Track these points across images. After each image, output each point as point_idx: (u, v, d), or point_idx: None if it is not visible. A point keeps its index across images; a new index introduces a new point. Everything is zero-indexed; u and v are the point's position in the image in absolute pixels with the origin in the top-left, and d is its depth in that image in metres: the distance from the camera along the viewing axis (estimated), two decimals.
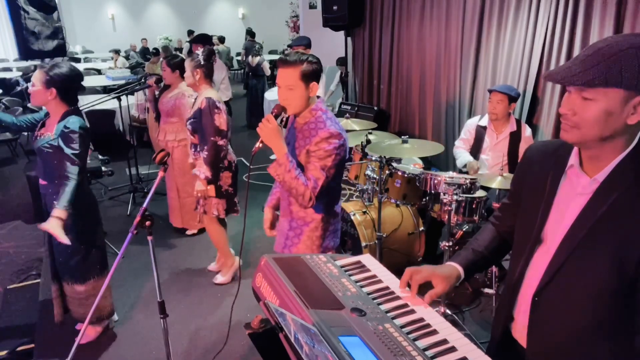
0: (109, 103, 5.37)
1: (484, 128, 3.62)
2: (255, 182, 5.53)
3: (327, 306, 1.16)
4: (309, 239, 2.13)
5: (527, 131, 3.50)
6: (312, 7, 7.73)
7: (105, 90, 8.54)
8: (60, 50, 5.06)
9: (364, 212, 3.54)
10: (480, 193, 3.09)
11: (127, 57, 13.06)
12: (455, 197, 2.97)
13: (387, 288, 1.32)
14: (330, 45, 6.67)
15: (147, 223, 2.04)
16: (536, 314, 1.24)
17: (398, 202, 3.46)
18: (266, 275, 1.31)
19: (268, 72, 8.74)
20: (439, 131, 5.02)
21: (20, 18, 4.63)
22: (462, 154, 3.70)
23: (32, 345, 2.90)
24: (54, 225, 2.32)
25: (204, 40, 5.16)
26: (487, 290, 3.31)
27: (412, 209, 3.68)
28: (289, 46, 10.17)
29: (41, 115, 2.71)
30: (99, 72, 10.98)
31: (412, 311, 1.22)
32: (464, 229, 3.32)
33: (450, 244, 3.06)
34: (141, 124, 6.65)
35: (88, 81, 8.26)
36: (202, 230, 4.45)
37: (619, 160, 1.13)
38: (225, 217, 3.48)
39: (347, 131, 3.74)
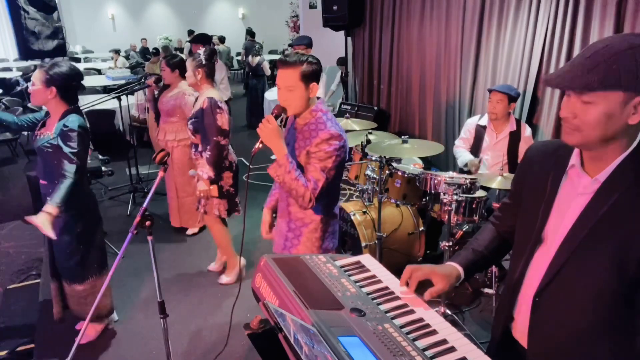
0: (109, 103, 5.37)
1: (484, 127, 3.62)
2: (255, 182, 5.53)
3: (326, 306, 1.16)
4: (309, 241, 2.13)
5: (526, 131, 3.50)
6: (312, 7, 7.74)
7: (105, 90, 8.53)
8: (60, 50, 5.05)
9: (364, 212, 3.54)
10: (480, 193, 3.09)
11: (127, 57, 13.06)
12: (455, 197, 2.97)
13: (386, 288, 1.32)
14: (331, 45, 6.67)
15: (147, 223, 2.03)
16: (537, 314, 1.24)
17: (398, 202, 3.46)
18: (266, 275, 1.31)
19: (268, 72, 8.74)
20: (439, 131, 5.02)
21: (20, 18, 4.63)
22: (462, 153, 3.70)
23: (32, 345, 2.90)
24: (42, 220, 2.29)
25: (203, 40, 5.15)
26: (487, 290, 3.31)
27: (412, 209, 3.68)
28: (290, 45, 10.18)
29: (42, 115, 2.72)
30: (99, 72, 10.98)
31: (412, 311, 1.22)
32: (464, 229, 3.32)
33: (450, 244, 3.06)
34: (141, 123, 6.65)
35: (88, 81, 8.26)
36: (202, 230, 4.45)
37: (620, 160, 1.13)
38: (227, 218, 3.47)
39: (347, 131, 3.75)
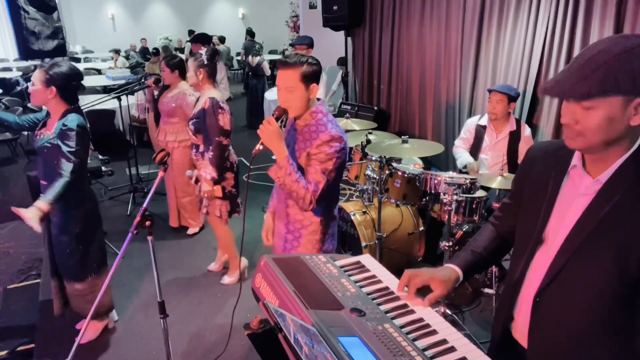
0: (109, 103, 5.37)
1: (484, 127, 3.62)
2: (255, 182, 5.53)
3: (326, 306, 1.16)
4: (309, 243, 2.12)
5: (526, 131, 3.50)
6: (312, 7, 7.74)
7: (105, 90, 8.54)
8: (60, 50, 5.06)
9: (364, 212, 3.54)
10: (480, 193, 3.09)
11: (127, 57, 13.06)
12: (455, 197, 2.97)
13: (386, 288, 1.32)
14: (331, 45, 6.67)
15: (147, 223, 2.03)
16: (537, 314, 1.24)
17: (398, 202, 3.46)
18: (265, 275, 1.31)
19: (268, 72, 8.74)
20: (439, 131, 5.02)
21: (21, 18, 4.63)
22: (462, 154, 3.71)
23: (32, 345, 2.90)
24: (31, 214, 2.25)
25: (203, 39, 5.15)
26: (487, 290, 3.31)
27: (412, 209, 3.68)
28: (291, 45, 10.17)
29: (42, 115, 2.71)
30: (99, 72, 10.98)
31: (412, 311, 1.22)
32: (464, 229, 3.32)
33: (450, 244, 3.06)
34: (141, 124, 6.65)
35: (88, 81, 8.27)
36: (202, 230, 4.45)
37: (621, 161, 1.13)
38: (229, 218, 3.47)
39: (347, 131, 3.75)
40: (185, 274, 3.75)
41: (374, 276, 1.37)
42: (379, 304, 1.23)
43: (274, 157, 1.91)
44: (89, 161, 2.72)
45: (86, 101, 4.86)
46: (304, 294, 1.19)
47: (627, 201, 1.10)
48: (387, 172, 3.34)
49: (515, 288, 1.32)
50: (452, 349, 1.09)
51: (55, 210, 2.60)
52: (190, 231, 4.42)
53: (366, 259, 1.48)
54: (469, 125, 3.75)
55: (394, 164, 3.47)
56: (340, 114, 6.04)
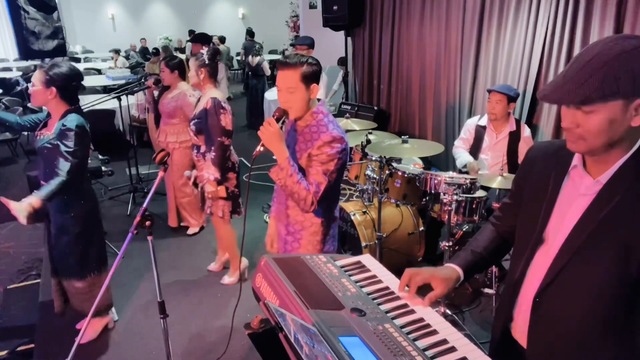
0: (109, 103, 5.37)
1: (484, 128, 3.63)
2: (255, 182, 5.53)
3: (326, 306, 1.16)
4: (310, 244, 2.10)
5: (526, 131, 3.50)
6: (312, 7, 7.74)
7: (105, 90, 8.54)
8: (60, 50, 5.05)
9: (364, 212, 3.54)
10: (480, 193, 3.09)
11: (127, 57, 13.06)
12: (455, 197, 2.97)
13: (387, 288, 1.32)
14: (331, 45, 6.67)
15: (147, 223, 2.03)
16: (537, 314, 1.24)
17: (398, 202, 3.46)
18: (266, 275, 1.31)
19: (268, 72, 8.74)
20: (439, 131, 5.02)
21: (20, 18, 4.63)
22: (461, 154, 3.71)
23: (32, 345, 2.90)
24: (20, 208, 2.24)
25: (203, 39, 5.15)
26: (487, 290, 3.31)
27: (412, 209, 3.68)
28: (292, 45, 10.17)
29: (44, 115, 2.71)
30: (99, 72, 10.98)
31: (412, 311, 1.22)
32: (464, 229, 3.32)
33: (450, 244, 3.06)
34: (141, 124, 6.65)
35: (88, 81, 8.26)
36: (202, 230, 4.45)
37: (622, 162, 1.12)
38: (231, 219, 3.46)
39: (347, 131, 3.75)
40: (185, 274, 3.75)
41: (374, 276, 1.37)
42: (379, 304, 1.23)
43: (274, 157, 1.91)
44: (89, 161, 2.72)
45: (86, 101, 4.86)
46: (304, 293, 1.19)
47: (627, 202, 1.10)
48: (387, 172, 3.35)
49: (515, 288, 1.32)
50: (452, 349, 1.09)
51: (55, 210, 2.60)
52: (190, 231, 4.42)
53: (366, 259, 1.48)
54: (469, 126, 3.75)
55: (394, 164, 3.47)
56: (340, 114, 6.05)
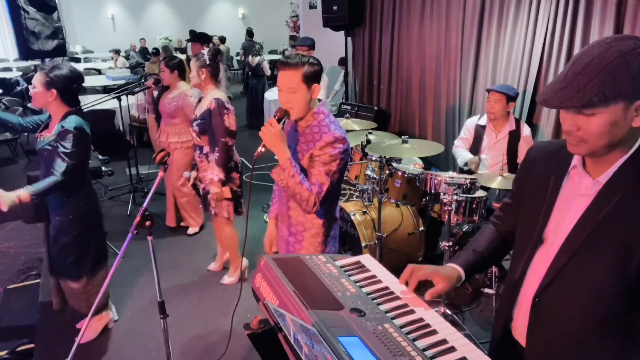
0: (109, 103, 5.37)
1: (483, 127, 3.63)
2: (255, 182, 5.53)
3: (326, 306, 1.16)
4: (311, 245, 2.10)
5: (526, 130, 3.50)
6: (312, 7, 7.74)
7: (105, 90, 8.54)
8: (60, 50, 5.04)
9: (364, 212, 3.54)
10: (480, 193, 3.09)
11: (127, 57, 13.06)
12: (455, 197, 2.97)
13: (386, 288, 1.32)
14: (331, 45, 6.67)
15: (147, 223, 2.03)
16: (536, 314, 1.24)
17: (398, 202, 3.46)
18: (265, 275, 1.31)
19: (268, 72, 8.73)
20: (439, 131, 5.02)
21: (20, 18, 4.62)
22: (461, 152, 3.71)
23: (32, 345, 2.90)
24: (6, 196, 2.26)
25: (202, 38, 5.15)
26: (487, 290, 3.31)
27: (412, 209, 3.68)
28: (292, 46, 10.16)
29: (46, 117, 2.71)
30: (99, 72, 10.98)
31: (412, 311, 1.22)
32: (464, 229, 3.32)
33: (450, 244, 3.06)
34: (141, 124, 6.65)
35: (88, 81, 8.26)
36: (202, 230, 4.46)
37: (621, 162, 1.12)
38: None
39: (347, 131, 3.74)
40: (185, 274, 3.75)
41: (374, 276, 1.37)
42: (379, 304, 1.23)
43: (276, 157, 1.90)
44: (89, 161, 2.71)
45: (86, 101, 4.86)
46: (304, 294, 1.19)
47: (627, 202, 1.10)
48: (387, 172, 3.35)
49: (516, 288, 1.32)
50: (452, 349, 1.09)
51: (54, 212, 2.60)
52: (190, 231, 4.42)
53: (366, 259, 1.48)
54: (469, 125, 3.75)
55: (394, 164, 3.47)
56: (340, 114, 6.04)
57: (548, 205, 1.24)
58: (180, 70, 4.06)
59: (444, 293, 1.33)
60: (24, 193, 2.31)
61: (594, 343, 1.17)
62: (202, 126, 3.16)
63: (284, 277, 1.26)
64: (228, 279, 3.57)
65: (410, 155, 3.40)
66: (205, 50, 3.24)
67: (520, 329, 1.31)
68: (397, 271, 1.37)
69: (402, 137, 3.26)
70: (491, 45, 4.20)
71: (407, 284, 1.32)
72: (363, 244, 3.39)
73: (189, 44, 6.01)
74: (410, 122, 5.46)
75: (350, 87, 6.53)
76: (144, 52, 14.04)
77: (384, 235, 3.38)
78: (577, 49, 3.42)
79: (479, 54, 4.37)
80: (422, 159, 4.10)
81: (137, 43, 14.52)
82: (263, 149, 1.90)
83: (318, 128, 1.96)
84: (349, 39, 6.34)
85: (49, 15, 4.87)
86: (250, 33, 11.68)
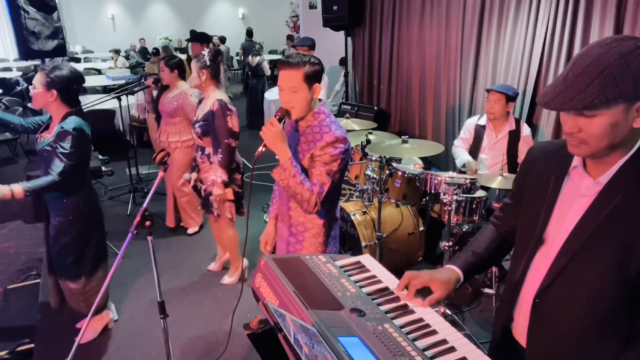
0: (109, 103, 5.38)
1: (483, 127, 3.63)
2: (255, 182, 5.53)
3: (326, 306, 1.16)
4: (312, 246, 2.10)
5: (525, 130, 3.50)
6: (312, 7, 7.73)
7: (105, 90, 8.54)
8: (61, 50, 5.04)
9: (364, 212, 3.54)
10: (480, 193, 3.09)
11: (127, 57, 13.06)
12: (455, 197, 2.97)
13: (386, 288, 1.32)
14: (331, 45, 6.67)
15: (147, 223, 2.03)
16: (536, 315, 1.24)
17: (398, 202, 3.46)
18: (265, 275, 1.31)
19: (268, 72, 8.73)
20: (439, 131, 5.02)
21: (20, 18, 4.62)
22: (461, 153, 3.71)
23: (32, 345, 2.90)
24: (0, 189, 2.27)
25: (202, 38, 5.15)
26: (487, 290, 3.31)
27: (412, 209, 3.67)
28: (292, 46, 10.17)
29: (47, 118, 2.70)
30: (99, 72, 10.98)
31: (412, 311, 1.22)
32: (464, 229, 3.32)
33: (450, 244, 3.06)
34: (141, 124, 6.66)
35: (88, 81, 8.25)
36: (202, 230, 4.45)
37: (622, 163, 1.12)
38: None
39: (347, 131, 3.74)
40: (185, 274, 3.75)
41: (374, 276, 1.37)
42: (379, 304, 1.23)
43: (277, 157, 1.90)
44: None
45: (86, 101, 4.86)
46: (304, 294, 1.19)
47: (627, 203, 1.10)
48: (387, 172, 3.34)
49: (516, 288, 1.32)
50: (452, 349, 1.09)
51: (54, 212, 2.60)
52: (190, 231, 4.42)
53: (366, 259, 1.48)
54: (469, 125, 3.75)
55: (394, 164, 3.47)
56: (340, 114, 6.04)
57: (548, 206, 1.24)
58: (180, 69, 4.06)
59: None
60: (18, 188, 2.32)
61: (594, 343, 1.17)
62: (204, 127, 3.14)
63: (284, 277, 1.26)
64: (228, 279, 3.57)
65: (410, 155, 3.40)
66: (205, 51, 3.23)
67: (520, 329, 1.31)
68: (397, 271, 1.37)
69: (402, 137, 3.26)
70: (491, 45, 4.20)
71: (406, 287, 1.32)
72: (363, 244, 3.39)
73: (189, 43, 6.01)
74: (410, 122, 5.46)
75: (350, 87, 6.53)
76: (144, 52, 14.05)
77: (384, 235, 3.38)
78: (577, 49, 3.42)
79: (479, 54, 4.37)
80: (422, 159, 4.10)
81: (137, 43, 14.51)
82: (264, 149, 1.89)
83: (319, 128, 1.95)
84: (349, 39, 6.34)
85: (49, 15, 4.87)
86: (250, 33, 11.68)
